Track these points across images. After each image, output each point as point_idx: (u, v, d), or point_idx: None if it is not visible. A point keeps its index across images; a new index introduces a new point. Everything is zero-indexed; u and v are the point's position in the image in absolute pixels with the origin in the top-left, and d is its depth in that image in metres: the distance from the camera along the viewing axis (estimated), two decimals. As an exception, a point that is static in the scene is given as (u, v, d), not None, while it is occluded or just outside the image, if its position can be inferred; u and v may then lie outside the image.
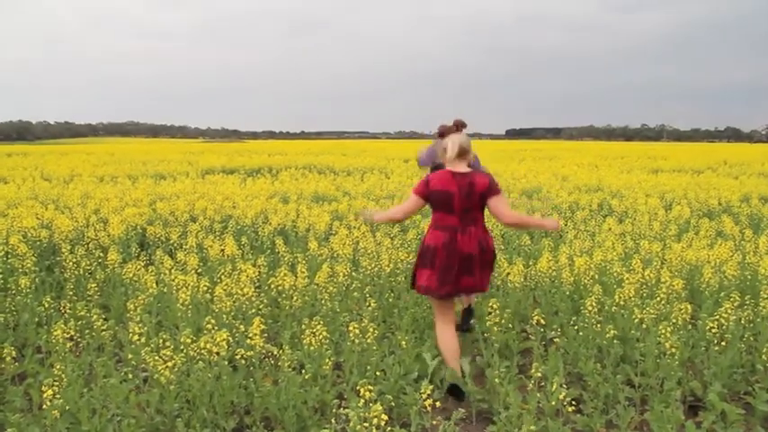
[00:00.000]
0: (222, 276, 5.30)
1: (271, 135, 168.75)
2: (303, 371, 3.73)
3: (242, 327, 4.21)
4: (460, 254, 3.97)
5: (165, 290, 5.31)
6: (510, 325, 4.41)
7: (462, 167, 4.06)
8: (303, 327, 4.03)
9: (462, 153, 4.06)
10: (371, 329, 4.03)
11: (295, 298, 5.01)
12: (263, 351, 4.00)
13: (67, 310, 4.84)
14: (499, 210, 3.99)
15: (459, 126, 5.38)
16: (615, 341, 4.14)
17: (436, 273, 4.01)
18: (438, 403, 3.09)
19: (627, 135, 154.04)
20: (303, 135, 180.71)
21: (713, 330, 4.00)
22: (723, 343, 4.06)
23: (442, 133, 5.39)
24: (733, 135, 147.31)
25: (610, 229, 7.73)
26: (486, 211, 4.08)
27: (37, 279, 5.69)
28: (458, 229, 3.99)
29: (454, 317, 4.29)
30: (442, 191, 3.99)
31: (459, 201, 3.97)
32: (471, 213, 4.01)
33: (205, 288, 4.88)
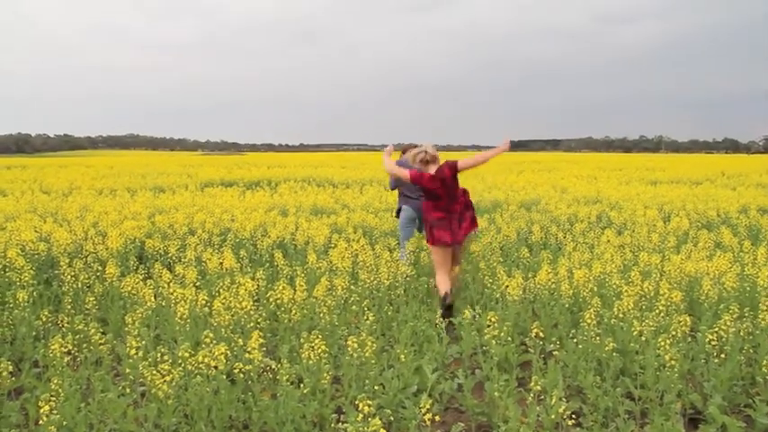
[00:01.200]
0: (221, 290, 5.28)
1: (270, 147, 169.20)
2: (301, 385, 3.71)
3: (240, 340, 4.20)
4: (453, 213, 5.89)
5: (163, 303, 5.30)
6: (509, 338, 4.40)
7: (433, 169, 5.89)
8: (302, 340, 4.02)
9: (432, 160, 5.94)
10: (370, 343, 4.01)
11: (294, 311, 4.99)
12: (262, 365, 3.99)
13: (65, 324, 4.82)
14: (465, 164, 5.90)
15: (410, 147, 6.96)
16: (614, 354, 4.13)
17: (448, 232, 5.84)
18: (437, 417, 3.08)
19: (625, 146, 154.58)
20: (302, 147, 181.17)
21: (713, 342, 3.99)
22: (723, 355, 4.05)
23: (404, 150, 7.35)
24: (731, 146, 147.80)
25: (608, 241, 7.73)
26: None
27: (35, 292, 5.68)
28: (449, 204, 5.89)
29: (448, 267, 5.95)
30: (431, 189, 5.88)
31: (443, 191, 5.86)
32: (452, 191, 5.91)
33: (203, 301, 4.87)
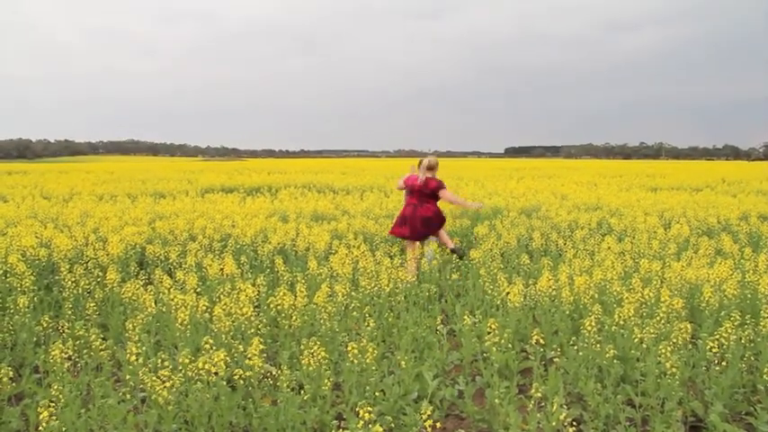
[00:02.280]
0: (221, 296, 5.28)
1: (270, 153, 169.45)
2: (302, 391, 3.71)
3: (241, 347, 4.19)
4: (420, 216, 7.53)
5: (163, 309, 5.30)
6: (510, 345, 4.40)
7: (427, 175, 7.61)
8: (302, 347, 4.02)
9: (430, 168, 7.67)
10: (371, 349, 4.01)
11: (294, 317, 4.99)
12: (262, 371, 3.98)
13: (66, 330, 4.82)
14: (444, 197, 7.65)
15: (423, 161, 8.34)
16: (615, 361, 4.12)
17: (408, 226, 7.56)
18: (438, 424, 3.07)
19: (625, 153, 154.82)
20: (303, 153, 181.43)
21: (714, 350, 3.99)
22: (724, 362, 4.05)
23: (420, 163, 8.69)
24: (731, 153, 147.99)
25: (609, 247, 7.74)
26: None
27: (35, 298, 5.68)
28: (417, 205, 7.58)
29: (417, 253, 7.42)
30: (410, 184, 7.71)
31: (417, 190, 7.60)
32: (425, 198, 7.60)
33: (204, 307, 4.87)
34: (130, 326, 4.41)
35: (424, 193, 7.57)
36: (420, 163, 8.05)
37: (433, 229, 7.66)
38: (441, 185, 7.58)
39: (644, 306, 5.17)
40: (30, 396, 4.10)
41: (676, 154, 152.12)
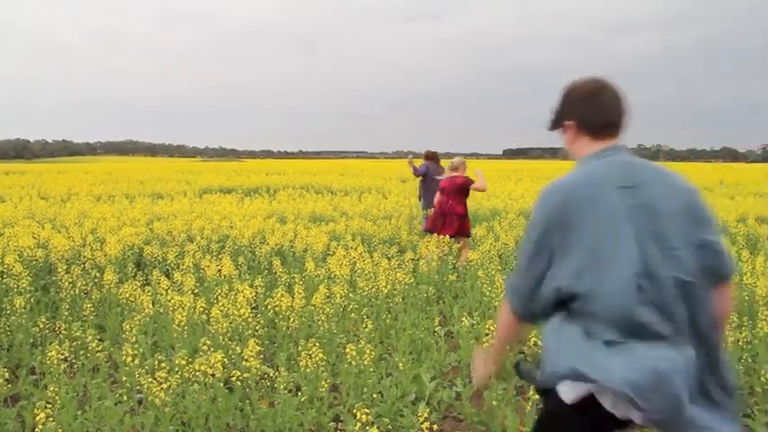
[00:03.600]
0: (219, 297, 5.27)
1: (268, 154, 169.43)
2: (299, 393, 3.70)
3: (238, 348, 4.18)
4: (446, 211, 7.92)
5: (161, 310, 5.29)
6: (507, 346, 4.38)
7: (453, 174, 8.15)
8: (300, 348, 4.01)
9: (454, 168, 8.22)
10: (368, 351, 4.00)
11: (292, 319, 4.98)
12: (260, 373, 3.97)
13: (62, 331, 4.80)
14: (475, 187, 8.06)
15: (432, 155, 9.88)
16: (613, 363, 4.11)
17: (436, 221, 8.02)
18: (435, 426, 3.07)
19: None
20: (301, 154, 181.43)
21: (711, 352, 3.98)
22: (721, 365, 4.04)
23: (427, 156, 9.90)
24: (729, 155, 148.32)
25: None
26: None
27: (32, 299, 5.66)
28: (448, 201, 7.97)
29: (437, 249, 7.47)
30: (443, 186, 8.10)
31: (448, 189, 8.03)
32: (454, 195, 7.99)
33: (201, 309, 4.86)
34: (127, 327, 4.40)
35: (452, 192, 8.01)
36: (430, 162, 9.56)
37: (448, 228, 7.79)
38: (470, 181, 8.04)
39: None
40: (26, 397, 4.08)
41: (674, 156, 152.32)
